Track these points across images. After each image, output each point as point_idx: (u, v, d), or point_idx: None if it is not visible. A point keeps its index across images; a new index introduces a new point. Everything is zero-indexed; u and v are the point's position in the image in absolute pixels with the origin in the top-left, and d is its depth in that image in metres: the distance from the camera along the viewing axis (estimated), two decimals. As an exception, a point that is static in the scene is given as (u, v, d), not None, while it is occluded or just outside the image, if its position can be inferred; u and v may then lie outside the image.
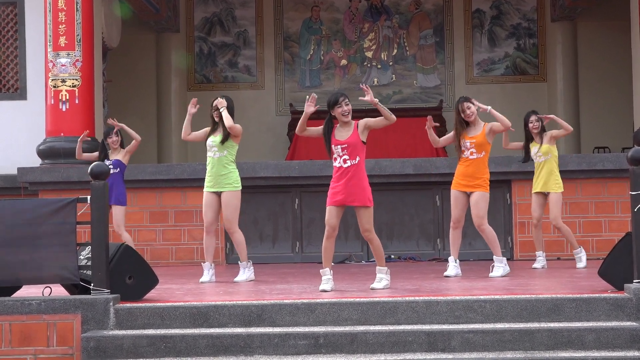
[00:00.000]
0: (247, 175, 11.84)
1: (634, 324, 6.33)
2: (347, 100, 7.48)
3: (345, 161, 7.41)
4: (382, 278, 7.54)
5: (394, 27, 17.68)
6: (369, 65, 17.72)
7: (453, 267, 8.77)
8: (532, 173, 11.53)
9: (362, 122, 7.54)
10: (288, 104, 17.43)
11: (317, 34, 17.79)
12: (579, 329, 6.22)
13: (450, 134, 8.91)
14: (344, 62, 17.75)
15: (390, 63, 17.67)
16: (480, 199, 8.63)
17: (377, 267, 7.61)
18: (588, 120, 16.93)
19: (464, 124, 8.71)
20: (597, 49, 16.94)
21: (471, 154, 8.68)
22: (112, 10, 14.20)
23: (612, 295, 6.56)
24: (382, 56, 17.70)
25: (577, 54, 17.07)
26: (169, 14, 16.83)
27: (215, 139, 8.78)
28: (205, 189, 8.86)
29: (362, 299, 6.58)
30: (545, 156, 10.07)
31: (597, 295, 6.57)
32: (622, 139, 16.17)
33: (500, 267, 8.71)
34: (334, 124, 7.56)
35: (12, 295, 6.86)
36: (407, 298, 6.57)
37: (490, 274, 8.70)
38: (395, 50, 17.69)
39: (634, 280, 6.68)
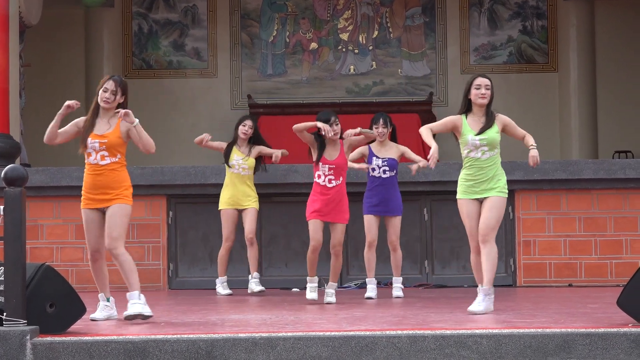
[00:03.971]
0: (196, 182, 11.85)
1: (659, 364, 6.40)
2: (337, 121, 9.15)
3: (330, 181, 9.18)
4: (334, 293, 9.31)
5: (375, 5, 17.77)
6: (344, 49, 17.79)
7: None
8: (538, 182, 11.66)
9: (346, 141, 9.23)
10: (246, 96, 17.46)
11: (281, 12, 17.85)
12: (593, 370, 6.28)
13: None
14: (313, 45, 17.82)
15: (370, 47, 17.76)
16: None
17: (331, 283, 9.36)
18: (606, 119, 17.09)
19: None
20: (617, 34, 17.12)
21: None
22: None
23: (633, 329, 6.62)
24: (360, 39, 17.78)
25: (595, 39, 17.24)
26: (102, -16, 16.81)
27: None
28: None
29: (333, 333, 6.60)
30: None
31: (615, 329, 6.63)
32: (647, 142, 16.37)
33: None
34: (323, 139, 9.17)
35: None
36: (387, 332, 6.60)
37: None
38: (376, 32, 17.79)
39: (659, 312, 6.76)
